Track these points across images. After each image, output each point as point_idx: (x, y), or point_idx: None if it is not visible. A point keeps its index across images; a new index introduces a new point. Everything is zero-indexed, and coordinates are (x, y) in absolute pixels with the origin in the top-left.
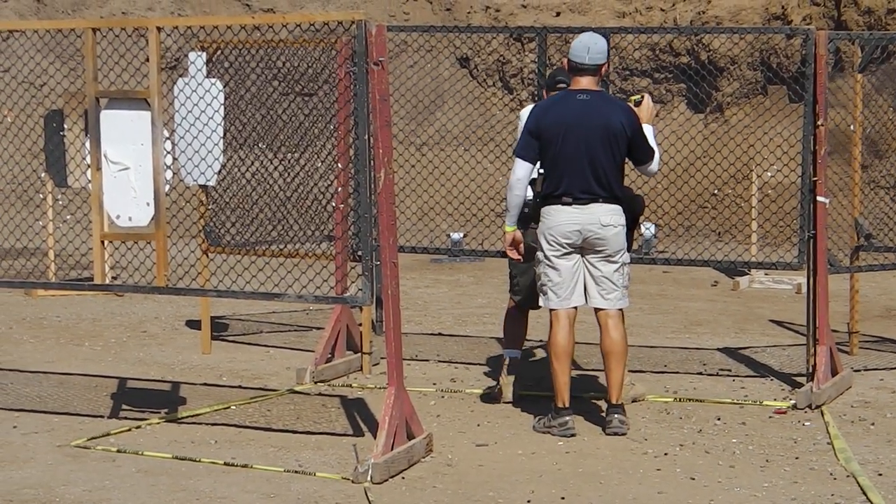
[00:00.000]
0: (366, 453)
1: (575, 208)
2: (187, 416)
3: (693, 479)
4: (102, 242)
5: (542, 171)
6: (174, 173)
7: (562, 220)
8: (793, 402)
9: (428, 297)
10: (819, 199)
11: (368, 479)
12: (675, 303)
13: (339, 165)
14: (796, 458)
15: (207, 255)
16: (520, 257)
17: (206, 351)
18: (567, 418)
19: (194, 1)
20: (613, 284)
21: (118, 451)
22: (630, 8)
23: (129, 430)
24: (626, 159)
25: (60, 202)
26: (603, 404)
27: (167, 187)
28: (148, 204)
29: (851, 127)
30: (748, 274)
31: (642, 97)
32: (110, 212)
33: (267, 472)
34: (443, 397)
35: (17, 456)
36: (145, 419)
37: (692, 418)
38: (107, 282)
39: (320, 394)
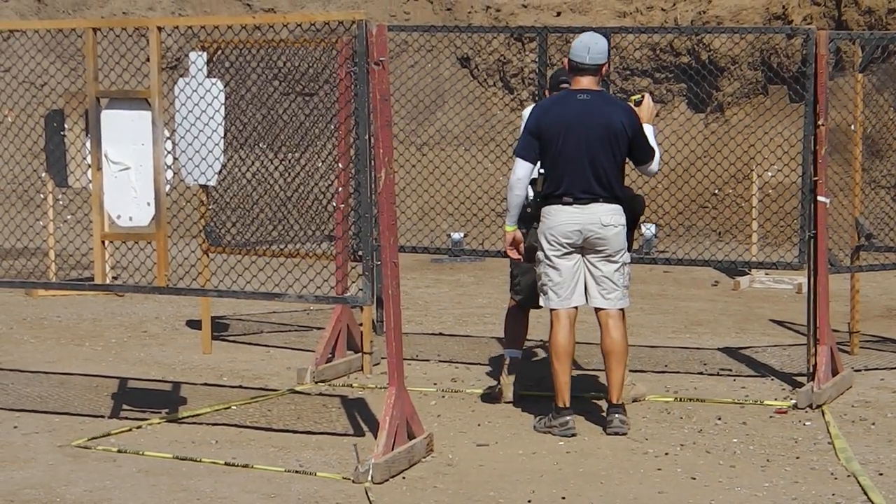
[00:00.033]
0: (366, 453)
1: (575, 208)
2: (188, 416)
3: (694, 478)
4: (103, 242)
5: (542, 170)
6: (175, 173)
7: (562, 219)
8: (793, 401)
9: (428, 297)
10: (820, 198)
11: (369, 479)
12: (676, 303)
13: (340, 165)
14: (797, 457)
15: (208, 255)
16: (520, 257)
17: (206, 351)
18: (568, 418)
19: (195, 1)
20: (614, 284)
21: (119, 451)
22: (631, 8)
23: (130, 430)
24: (627, 159)
25: (61, 202)
26: (603, 404)
27: (168, 187)
28: (148, 204)
29: (852, 127)
30: (749, 274)
31: (643, 97)
32: (111, 212)
33: (268, 472)
34: (443, 397)
35: (17, 456)
36: (146, 419)
37: (693, 418)
38: (107, 282)
39: (321, 394)
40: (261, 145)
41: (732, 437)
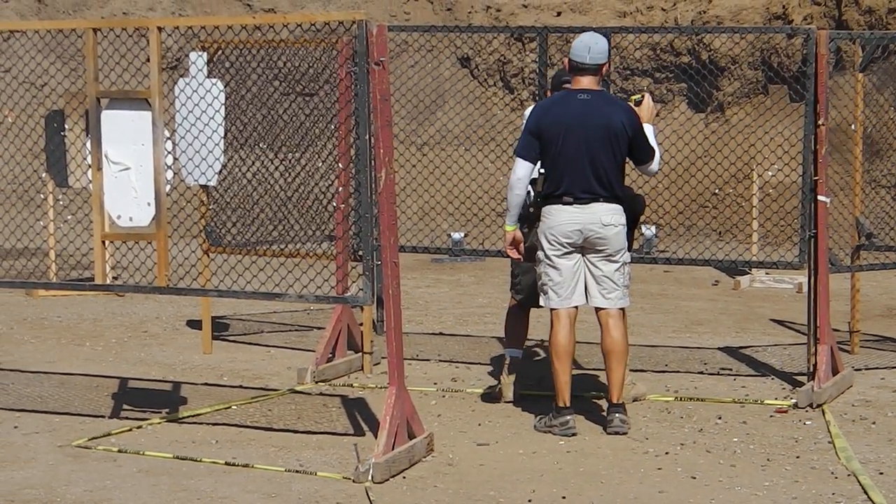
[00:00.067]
0: (367, 453)
1: (576, 208)
2: (188, 416)
3: (694, 478)
4: (103, 242)
5: (542, 170)
6: (175, 173)
7: (563, 219)
8: (794, 401)
9: (429, 297)
10: (820, 198)
11: (369, 478)
12: (676, 302)
13: (340, 165)
14: (797, 457)
15: (208, 255)
16: (520, 257)
17: (207, 351)
18: (568, 417)
19: (195, 1)
20: (614, 284)
21: (119, 451)
22: (631, 7)
23: (131, 430)
24: (627, 159)
25: (61, 202)
26: (604, 403)
27: (168, 187)
28: (149, 204)
29: (852, 126)
30: (749, 273)
31: (643, 97)
32: (111, 212)
33: (268, 472)
34: (444, 397)
35: (18, 456)
36: (146, 419)
37: (693, 417)
38: (108, 282)
39: (321, 393)
40: (261, 145)
41: (733, 436)
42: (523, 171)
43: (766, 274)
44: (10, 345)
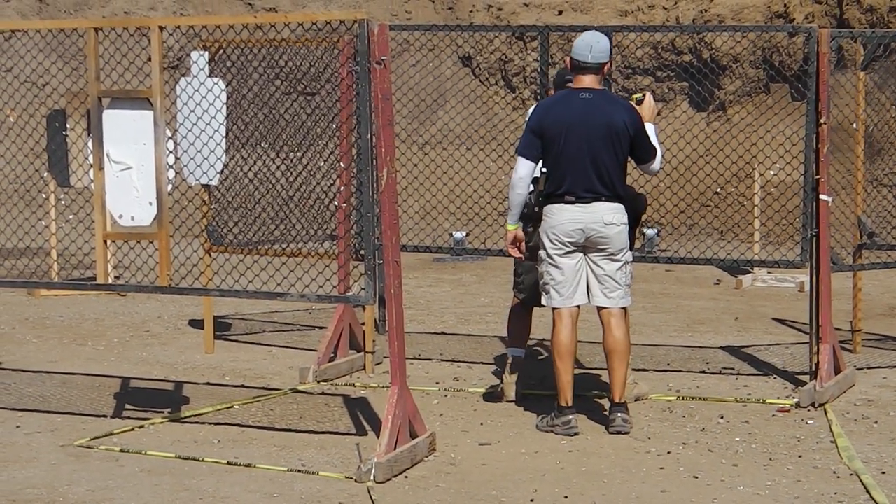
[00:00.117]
0: (369, 452)
1: (578, 207)
2: (190, 416)
3: (696, 477)
4: (105, 242)
5: (544, 169)
6: (177, 173)
7: (564, 218)
8: (796, 400)
9: (431, 297)
10: (822, 197)
11: (371, 478)
12: (678, 301)
13: (342, 164)
14: (799, 456)
15: (210, 255)
16: (521, 256)
17: (209, 350)
18: (570, 417)
19: (196, 0)
20: (616, 283)
21: (121, 451)
22: (632, 6)
23: (133, 429)
24: (629, 158)
25: (63, 202)
26: (606, 403)
27: (170, 187)
28: (150, 203)
29: (854, 125)
30: (751, 272)
31: (644, 95)
32: (113, 211)
33: (270, 472)
34: (446, 396)
35: (20, 456)
36: (148, 419)
37: (695, 417)
38: (109, 281)
39: (323, 393)
40: (263, 145)
41: (735, 435)
42: (525, 170)
43: (768, 273)
44: (12, 344)
